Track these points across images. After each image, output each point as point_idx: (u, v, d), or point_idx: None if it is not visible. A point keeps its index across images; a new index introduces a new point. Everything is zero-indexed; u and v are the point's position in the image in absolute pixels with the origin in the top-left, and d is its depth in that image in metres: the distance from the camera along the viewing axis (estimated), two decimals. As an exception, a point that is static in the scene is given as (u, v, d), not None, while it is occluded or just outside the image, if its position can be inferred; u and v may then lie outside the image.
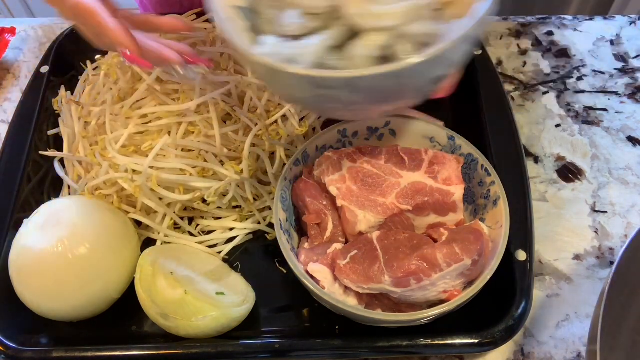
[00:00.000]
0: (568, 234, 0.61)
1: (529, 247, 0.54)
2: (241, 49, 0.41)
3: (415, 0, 0.41)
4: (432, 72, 0.41)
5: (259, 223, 0.60)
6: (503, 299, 0.52)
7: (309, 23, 0.43)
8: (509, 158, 0.60)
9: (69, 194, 0.63)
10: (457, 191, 0.53)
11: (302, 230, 0.57)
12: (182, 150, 0.59)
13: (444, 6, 0.45)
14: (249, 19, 0.46)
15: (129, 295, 0.54)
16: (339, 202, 0.53)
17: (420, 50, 0.42)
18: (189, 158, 0.58)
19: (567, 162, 0.66)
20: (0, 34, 0.79)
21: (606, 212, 0.62)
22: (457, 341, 0.50)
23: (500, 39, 0.78)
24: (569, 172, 0.65)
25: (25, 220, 0.55)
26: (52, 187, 0.63)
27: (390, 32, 0.41)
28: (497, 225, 0.51)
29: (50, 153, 0.64)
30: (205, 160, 0.58)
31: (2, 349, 0.51)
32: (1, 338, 0.51)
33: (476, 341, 0.50)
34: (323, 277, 0.50)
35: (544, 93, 0.72)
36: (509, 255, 0.52)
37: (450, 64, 0.42)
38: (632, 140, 0.68)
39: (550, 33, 0.78)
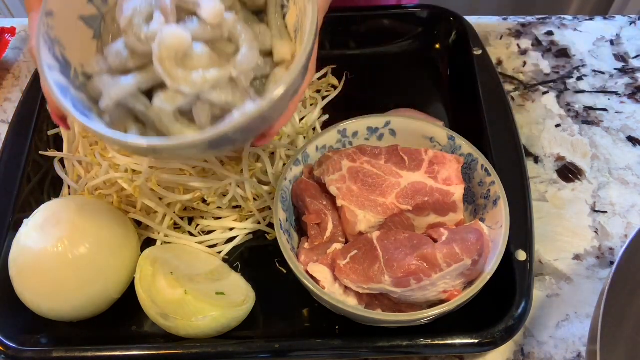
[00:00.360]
0: (568, 234, 0.61)
1: (529, 247, 0.54)
2: (80, 122, 0.42)
3: (220, 72, 0.44)
4: (209, 147, 0.43)
5: (259, 223, 0.60)
6: (503, 299, 0.52)
7: (130, 61, 0.45)
8: (509, 158, 0.60)
9: (69, 194, 0.62)
10: (457, 191, 0.53)
11: (302, 230, 0.57)
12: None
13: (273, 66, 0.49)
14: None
15: (129, 295, 0.54)
16: (339, 202, 0.53)
17: (214, 116, 0.45)
18: (189, 158, 0.58)
19: (567, 162, 0.66)
20: (0, 34, 0.79)
21: (606, 212, 0.62)
22: (457, 341, 0.50)
23: (500, 39, 0.78)
24: (569, 172, 0.65)
25: (25, 220, 0.55)
26: (52, 187, 0.63)
27: (189, 95, 0.44)
28: (497, 225, 0.51)
29: (50, 153, 0.64)
30: (205, 160, 0.58)
31: (2, 349, 0.51)
32: (1, 338, 0.51)
33: (476, 341, 0.50)
34: (323, 277, 0.50)
35: (544, 93, 0.72)
36: (509, 255, 0.52)
37: (231, 140, 0.44)
38: (632, 140, 0.68)
39: (550, 33, 0.78)
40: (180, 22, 0.45)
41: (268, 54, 0.49)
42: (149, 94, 0.47)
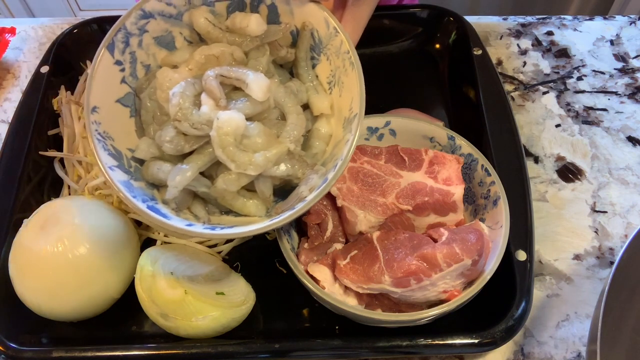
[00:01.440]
0: (568, 234, 0.61)
1: (529, 247, 0.54)
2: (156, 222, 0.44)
3: (279, 148, 0.45)
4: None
5: (259, 223, 0.60)
6: (503, 299, 0.52)
7: (185, 146, 0.46)
8: (509, 158, 0.60)
9: (69, 194, 0.62)
10: (457, 191, 0.53)
11: (302, 230, 0.57)
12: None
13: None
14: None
15: (129, 295, 0.54)
16: (339, 202, 0.53)
17: (275, 188, 0.48)
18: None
19: (567, 162, 0.66)
20: (0, 34, 0.79)
21: (606, 212, 0.62)
22: (457, 341, 0.50)
23: (500, 39, 0.78)
24: (569, 172, 0.65)
25: (25, 220, 0.55)
26: (52, 187, 0.63)
27: (253, 176, 0.45)
28: (497, 225, 0.51)
29: (50, 153, 0.64)
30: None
31: (2, 349, 0.51)
32: (1, 338, 0.51)
33: (476, 341, 0.50)
34: (323, 277, 0.50)
35: (544, 93, 0.72)
36: (509, 255, 0.52)
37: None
38: (632, 140, 0.68)
39: (550, 33, 0.78)
40: (230, 102, 0.46)
41: (304, 107, 0.50)
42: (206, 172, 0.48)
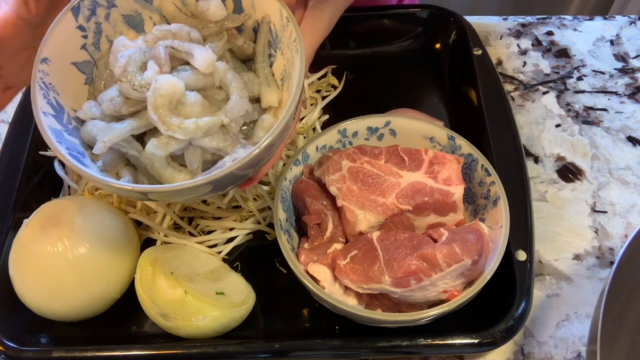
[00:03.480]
0: (568, 234, 0.61)
1: (529, 247, 0.54)
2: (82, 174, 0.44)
3: (212, 119, 0.45)
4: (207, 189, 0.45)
5: (259, 223, 0.60)
6: (503, 299, 0.52)
7: (123, 107, 0.47)
8: (509, 158, 0.60)
9: (69, 194, 0.63)
10: (457, 191, 0.53)
11: (302, 230, 0.57)
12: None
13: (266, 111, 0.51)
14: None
15: (129, 295, 0.54)
16: (339, 202, 0.53)
17: (205, 161, 0.48)
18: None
19: (567, 162, 0.66)
20: (0, 34, 0.79)
21: (606, 212, 0.62)
22: (457, 341, 0.50)
23: (500, 39, 0.78)
24: (569, 172, 0.65)
25: (25, 220, 0.55)
26: (52, 187, 0.63)
27: (182, 141, 0.45)
28: (497, 225, 0.51)
29: (51, 153, 0.64)
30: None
31: (2, 349, 0.51)
32: (1, 338, 0.51)
33: (476, 341, 0.50)
34: (323, 277, 0.50)
35: (544, 93, 0.72)
36: (509, 255, 0.52)
37: (222, 185, 0.46)
38: (632, 140, 0.68)
39: (550, 33, 0.78)
40: (174, 71, 0.47)
41: (255, 100, 0.51)
42: (140, 139, 0.48)
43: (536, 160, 0.67)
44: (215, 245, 0.60)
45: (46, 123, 0.45)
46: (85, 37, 0.50)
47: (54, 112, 0.47)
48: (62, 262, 0.51)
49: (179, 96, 0.45)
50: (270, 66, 0.52)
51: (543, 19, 0.80)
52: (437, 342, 0.50)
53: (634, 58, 0.75)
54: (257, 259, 0.59)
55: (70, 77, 0.50)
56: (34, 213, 0.55)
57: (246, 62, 0.54)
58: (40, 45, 0.47)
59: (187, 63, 0.48)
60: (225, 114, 0.46)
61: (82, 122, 0.49)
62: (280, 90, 0.51)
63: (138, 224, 0.60)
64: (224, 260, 0.59)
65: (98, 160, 0.47)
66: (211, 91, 0.49)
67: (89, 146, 0.48)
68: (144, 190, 0.43)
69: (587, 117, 0.70)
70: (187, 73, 0.47)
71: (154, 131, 0.47)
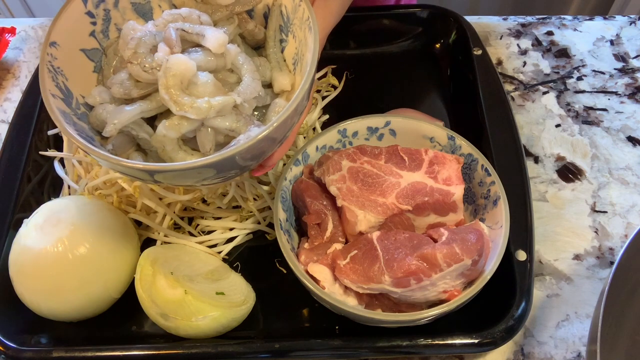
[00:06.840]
0: (568, 234, 0.61)
1: (529, 247, 0.54)
2: (90, 151, 0.43)
3: (225, 98, 0.44)
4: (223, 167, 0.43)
5: (259, 223, 0.60)
6: (503, 299, 0.52)
7: (134, 90, 0.46)
8: (509, 158, 0.60)
9: (69, 194, 0.63)
10: (457, 191, 0.53)
11: (302, 230, 0.57)
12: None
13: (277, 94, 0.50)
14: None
15: (129, 295, 0.54)
16: (339, 202, 0.53)
17: (217, 143, 0.46)
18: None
19: (567, 162, 0.66)
20: (0, 34, 0.79)
21: (606, 212, 0.62)
22: (457, 341, 0.50)
23: (500, 39, 0.78)
24: (569, 172, 0.65)
25: (25, 220, 0.55)
26: (52, 187, 0.63)
27: (194, 122, 0.44)
28: (497, 225, 0.51)
29: (50, 153, 0.64)
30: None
31: (2, 349, 0.51)
32: (1, 338, 0.51)
33: (476, 341, 0.50)
34: (323, 277, 0.50)
35: (544, 93, 0.72)
36: (509, 255, 0.52)
37: (236, 165, 0.44)
38: (632, 140, 0.68)
39: (550, 33, 0.78)
40: (185, 53, 0.46)
41: (267, 85, 0.50)
42: (151, 124, 0.47)
43: (536, 160, 0.67)
44: (215, 245, 0.60)
45: (55, 105, 0.44)
46: (94, 23, 0.49)
47: (63, 96, 0.46)
48: (62, 262, 0.51)
49: (191, 76, 0.44)
50: (282, 51, 0.51)
51: (543, 19, 0.80)
52: (437, 342, 0.50)
53: (634, 58, 0.75)
54: (257, 259, 0.59)
55: (78, 64, 0.49)
56: (34, 213, 0.55)
57: (257, 49, 0.53)
58: (49, 28, 0.46)
59: (198, 46, 0.47)
60: (237, 94, 0.45)
61: (90, 108, 0.48)
62: (292, 74, 0.50)
63: (138, 224, 0.60)
64: (224, 260, 0.59)
65: (107, 144, 0.46)
66: (223, 74, 0.48)
67: (98, 132, 0.47)
68: (151, 169, 0.41)
69: (587, 117, 0.70)
70: (198, 54, 0.46)
71: (164, 115, 0.46)
